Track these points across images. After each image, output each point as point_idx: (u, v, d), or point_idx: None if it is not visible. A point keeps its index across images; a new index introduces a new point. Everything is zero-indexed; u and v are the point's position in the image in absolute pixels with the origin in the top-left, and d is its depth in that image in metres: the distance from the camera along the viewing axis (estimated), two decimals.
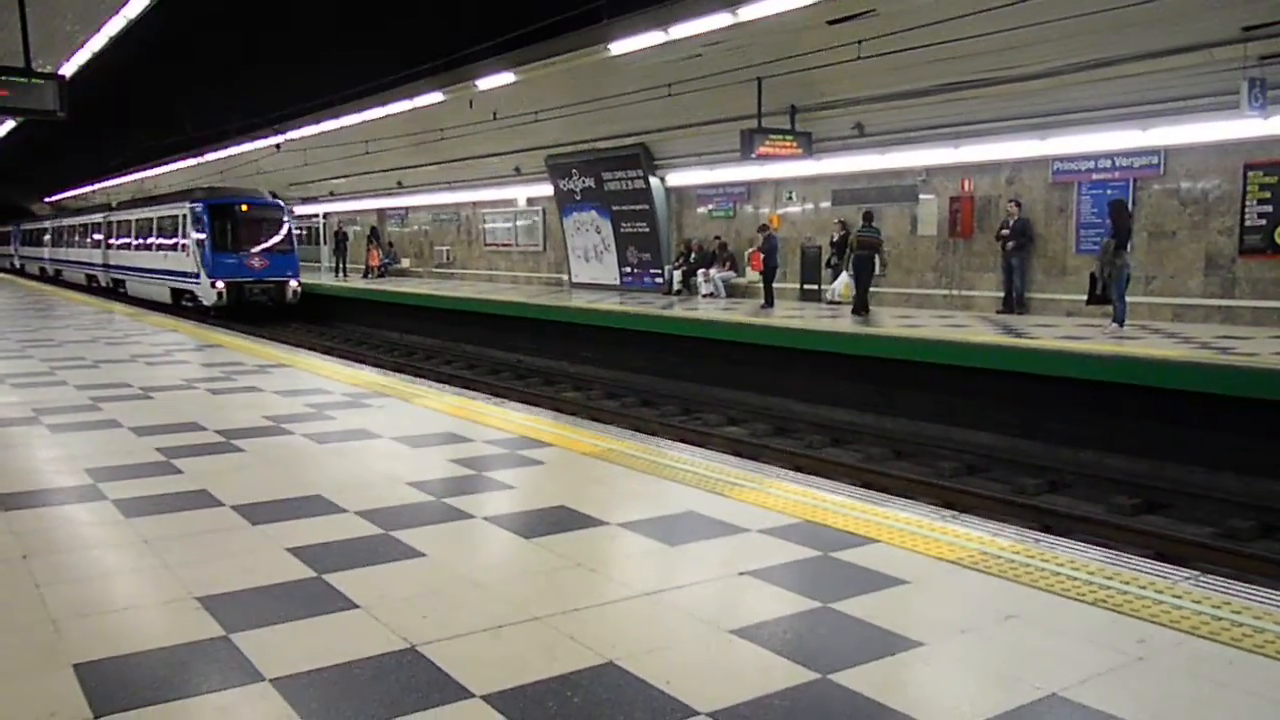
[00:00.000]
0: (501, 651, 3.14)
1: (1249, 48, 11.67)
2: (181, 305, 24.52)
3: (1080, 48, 12.98)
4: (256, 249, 23.69)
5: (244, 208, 24.20)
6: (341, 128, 24.43)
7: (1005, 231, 15.26)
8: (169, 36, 23.02)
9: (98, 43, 17.03)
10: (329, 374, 10.02)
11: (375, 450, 6.30)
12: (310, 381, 9.41)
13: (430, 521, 4.61)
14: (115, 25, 15.52)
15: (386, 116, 22.38)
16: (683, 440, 9.60)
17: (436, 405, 8.10)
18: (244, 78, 27.18)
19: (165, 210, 26.37)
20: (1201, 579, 3.95)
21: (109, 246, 31.08)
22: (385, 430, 6.87)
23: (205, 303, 23.13)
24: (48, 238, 41.49)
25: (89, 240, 33.88)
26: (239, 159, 31.94)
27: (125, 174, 40.79)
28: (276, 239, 24.21)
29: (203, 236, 23.35)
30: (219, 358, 11.31)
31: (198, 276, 23.44)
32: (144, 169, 38.33)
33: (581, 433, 7.01)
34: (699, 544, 4.33)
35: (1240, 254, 13.09)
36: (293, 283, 23.96)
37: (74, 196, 51.17)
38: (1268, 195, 12.76)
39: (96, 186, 45.94)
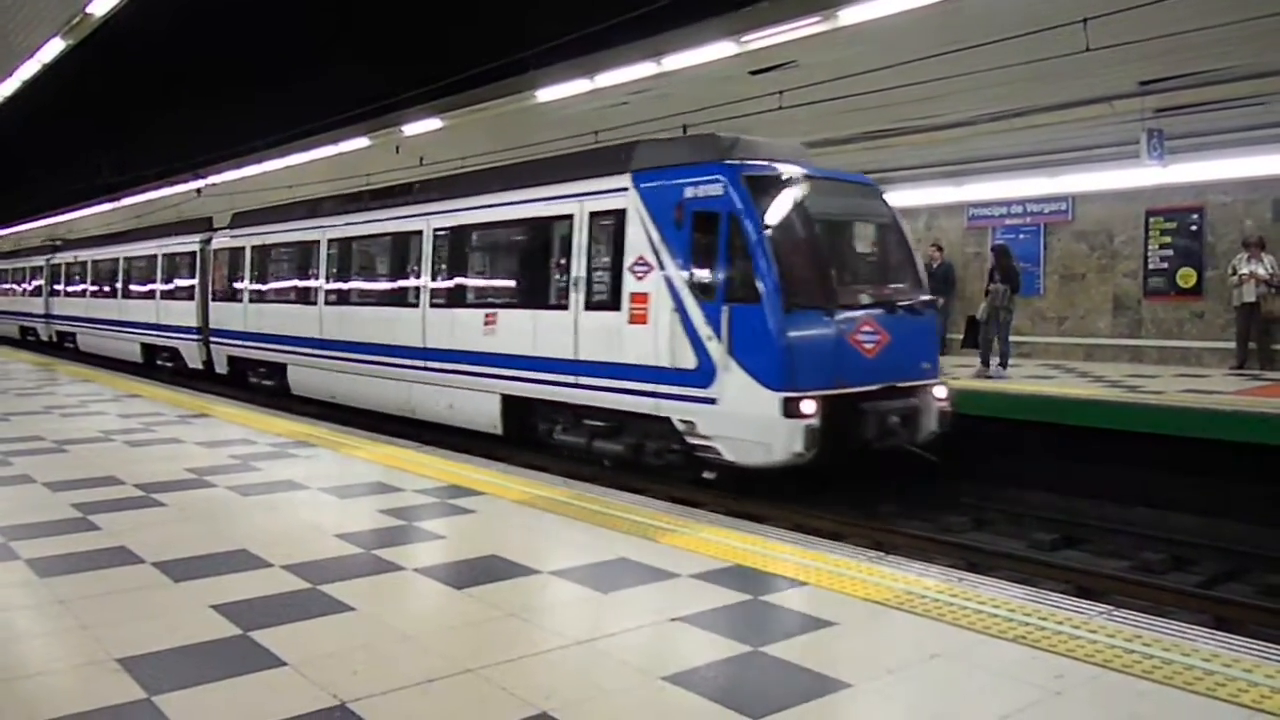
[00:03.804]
0: (433, 706, 3.12)
1: (1146, 101, 12.29)
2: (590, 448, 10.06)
3: (992, 99, 13.51)
4: (871, 306, 8.99)
5: (839, 190, 9.91)
6: (264, 172, 24.15)
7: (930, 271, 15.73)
8: (86, 80, 22.60)
9: (10, 86, 16.66)
10: (253, 424, 9.83)
11: (302, 502, 6.20)
12: (234, 432, 9.22)
13: (359, 574, 4.55)
14: (29, 70, 15.21)
15: (311, 161, 22.20)
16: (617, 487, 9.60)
17: (365, 454, 8.00)
18: (165, 121, 26.76)
19: (538, 204, 10.62)
20: (1115, 613, 4.10)
21: (257, 297, 16.40)
22: (312, 481, 6.77)
23: (745, 458, 8.55)
24: (39, 283, 28.47)
25: (154, 283, 20.33)
26: (156, 203, 31.28)
27: (38, 219, 39.62)
28: (903, 279, 9.75)
29: (757, 271, 8.39)
30: (137, 408, 11.02)
31: (703, 377, 8.63)
32: (58, 213, 37.30)
33: (512, 480, 6.99)
34: (631, 590, 4.36)
35: (1145, 296, 13.68)
36: (939, 389, 9.42)
37: None
38: (1168, 240, 13.39)
39: (6, 232, 44.50)
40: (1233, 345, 12.63)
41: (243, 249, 16.85)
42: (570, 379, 9.85)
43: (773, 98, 14.13)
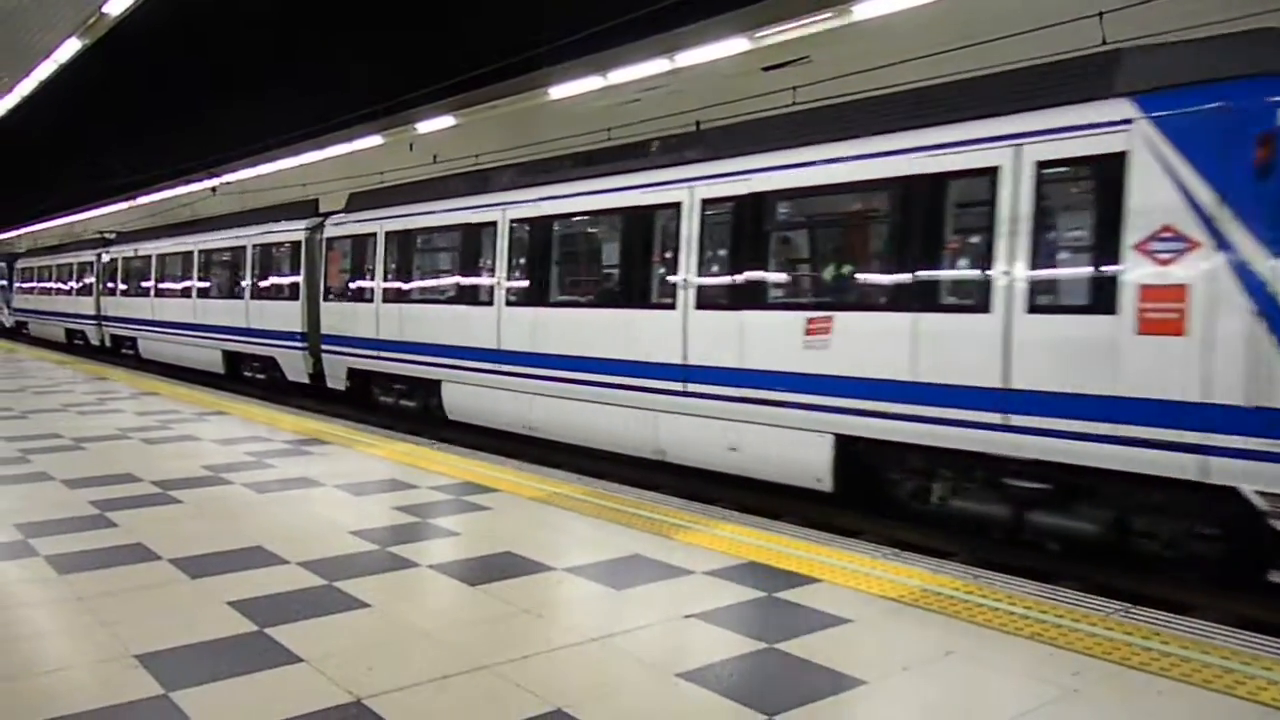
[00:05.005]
0: (449, 702, 3.13)
1: None
2: None
3: None
4: None
5: None
6: (279, 170, 24.27)
7: None
8: (102, 80, 22.72)
9: (28, 86, 16.79)
10: (268, 421, 9.87)
11: (317, 499, 6.22)
12: (249, 429, 9.27)
13: (374, 571, 4.57)
14: (46, 69, 15.32)
15: (325, 159, 22.30)
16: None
17: (379, 451, 8.03)
18: (180, 120, 26.89)
19: (918, 156, 7.17)
20: (1133, 610, 4.07)
21: (396, 295, 12.93)
22: (327, 478, 6.79)
23: None
24: (89, 281, 25.60)
25: (242, 279, 16.99)
26: (172, 200, 31.46)
27: (52, 218, 39.94)
28: None
29: None
30: (154, 406, 11.08)
31: None
32: (73, 213, 37.59)
33: (527, 477, 7.00)
34: (645, 587, 4.35)
35: None
36: None
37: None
38: None
39: (23, 231, 44.88)
40: None
41: (371, 236, 13.42)
42: (992, 417, 6.52)
43: (786, 94, 14.12)
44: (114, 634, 3.69)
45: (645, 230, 9.29)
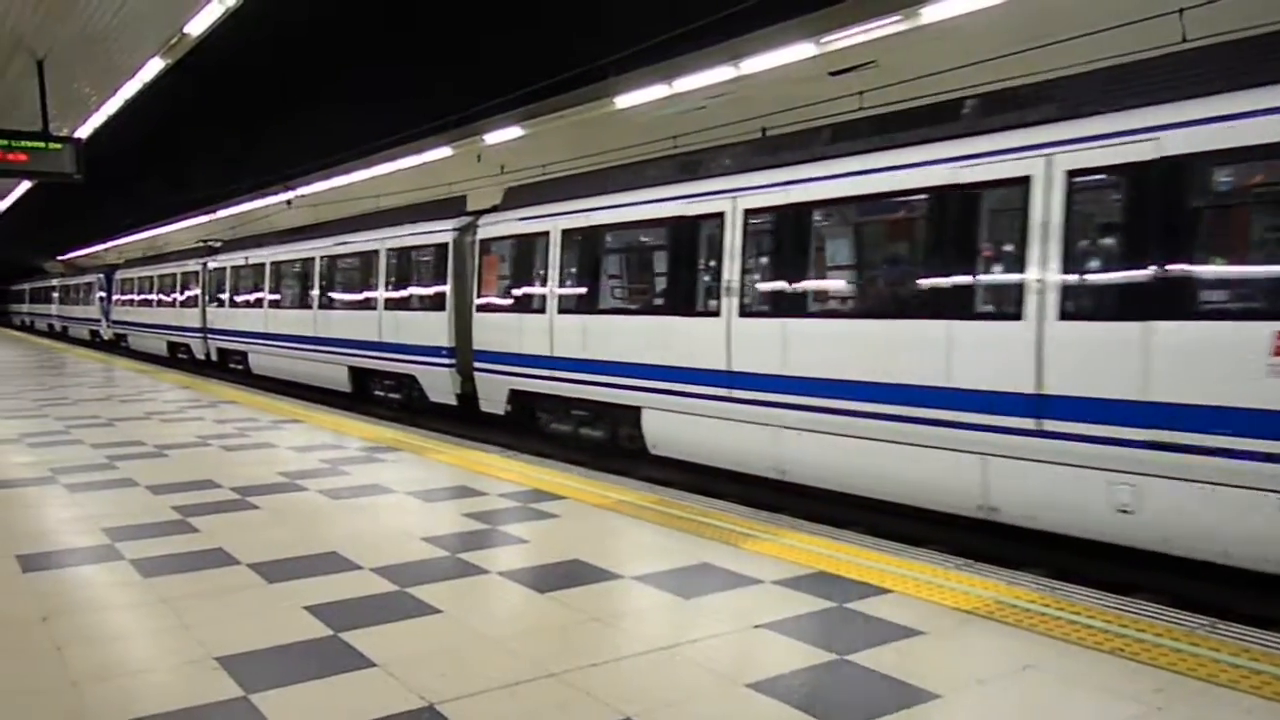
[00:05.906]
0: (519, 709, 3.15)
1: None
2: None
3: None
4: None
5: None
6: (352, 183, 24.79)
7: None
8: (183, 96, 23.43)
9: (113, 106, 17.40)
10: (341, 428, 10.07)
11: (389, 505, 6.33)
12: (323, 436, 9.46)
13: (445, 577, 4.63)
14: (131, 89, 15.86)
15: (394, 172, 22.71)
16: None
17: (448, 458, 8.13)
18: (256, 135, 27.59)
19: None
20: (1219, 625, 3.94)
21: (576, 304, 11.00)
22: (398, 485, 6.90)
23: None
24: (194, 292, 24.78)
25: (373, 288, 15.71)
26: (252, 214, 32.27)
27: (135, 232, 41.25)
28: None
29: None
30: (232, 414, 11.38)
31: None
32: (155, 226, 38.78)
33: (593, 485, 7.03)
34: (713, 596, 4.34)
35: None
36: None
37: (86, 255, 51.52)
38: None
39: (109, 245, 46.47)
40: None
41: (541, 236, 11.50)
42: None
43: (853, 99, 13.98)
44: (196, 636, 3.80)
45: (963, 217, 7.14)
